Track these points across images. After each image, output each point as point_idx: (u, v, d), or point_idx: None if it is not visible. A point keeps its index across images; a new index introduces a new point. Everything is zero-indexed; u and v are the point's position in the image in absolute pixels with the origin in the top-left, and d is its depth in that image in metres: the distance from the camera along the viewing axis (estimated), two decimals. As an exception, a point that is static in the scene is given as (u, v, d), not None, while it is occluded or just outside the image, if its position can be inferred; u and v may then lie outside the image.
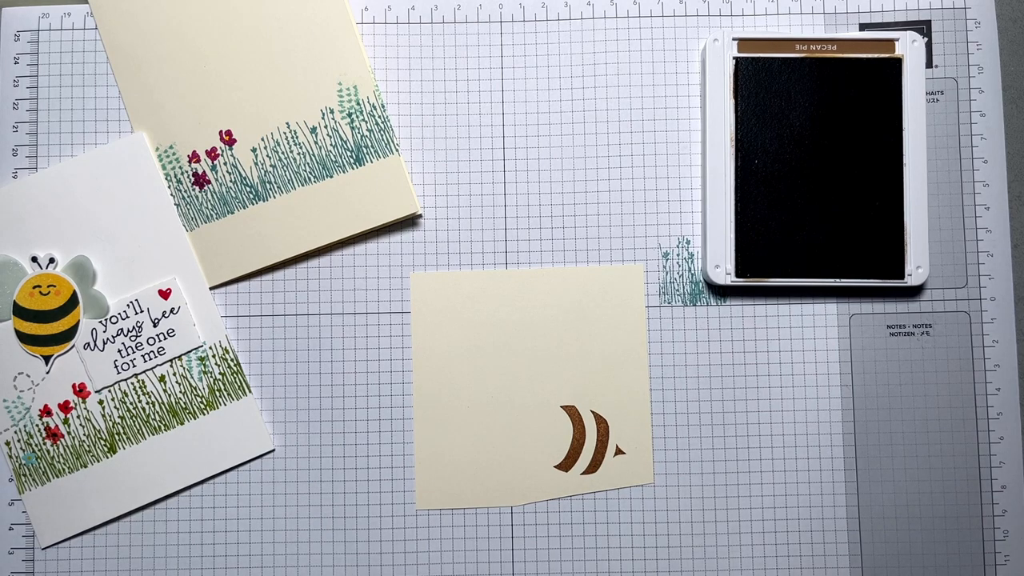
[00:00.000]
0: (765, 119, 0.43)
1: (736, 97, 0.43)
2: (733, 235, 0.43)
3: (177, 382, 0.45)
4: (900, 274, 0.43)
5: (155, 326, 0.45)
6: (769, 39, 0.43)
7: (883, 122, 0.43)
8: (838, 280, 0.43)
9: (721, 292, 0.45)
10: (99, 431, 0.45)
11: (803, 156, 0.43)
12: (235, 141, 0.45)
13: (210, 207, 0.45)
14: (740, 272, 0.43)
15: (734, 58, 0.43)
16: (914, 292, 0.45)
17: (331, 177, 0.45)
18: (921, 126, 0.43)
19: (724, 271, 0.44)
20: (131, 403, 0.45)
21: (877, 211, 0.43)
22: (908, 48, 0.43)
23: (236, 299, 0.46)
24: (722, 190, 0.43)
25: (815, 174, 0.43)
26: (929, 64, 0.46)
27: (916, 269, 0.43)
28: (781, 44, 0.43)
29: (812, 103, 0.43)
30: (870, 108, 0.43)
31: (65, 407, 0.45)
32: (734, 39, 0.43)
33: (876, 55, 0.43)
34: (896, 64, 0.42)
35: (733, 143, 0.42)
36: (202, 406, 0.45)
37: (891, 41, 0.43)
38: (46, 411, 0.44)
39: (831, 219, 0.43)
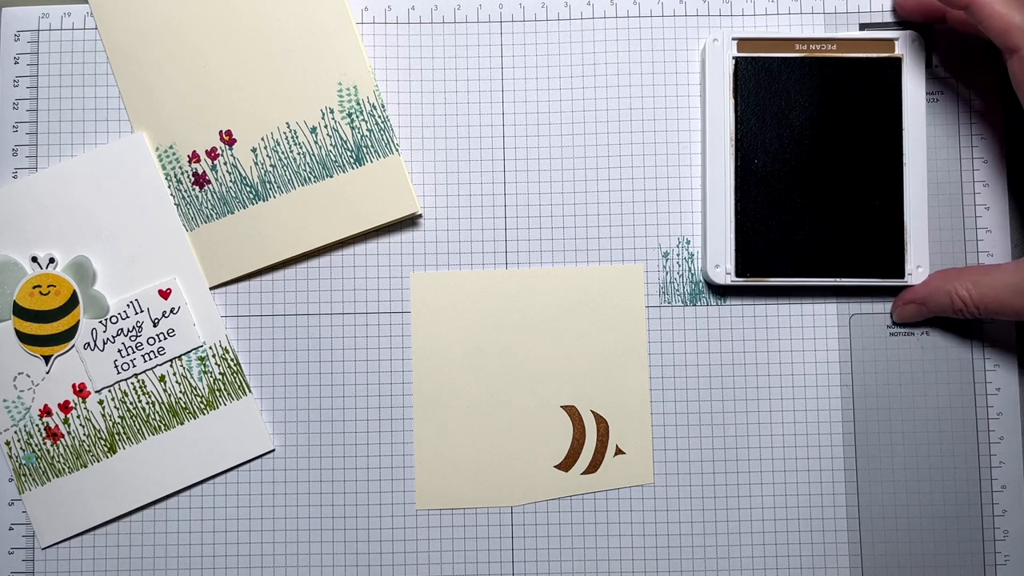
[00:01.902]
0: (765, 119, 0.43)
1: (736, 97, 0.42)
2: (733, 235, 0.43)
3: (177, 382, 0.45)
4: (900, 273, 0.43)
5: (155, 326, 0.45)
6: (769, 39, 0.43)
7: (883, 122, 0.43)
8: (838, 280, 0.43)
9: (721, 292, 0.45)
10: (99, 431, 0.45)
11: (803, 156, 0.43)
12: (235, 141, 0.45)
13: (210, 207, 0.45)
14: (740, 272, 0.43)
15: (734, 58, 0.43)
16: (914, 292, 0.45)
17: (331, 177, 0.45)
18: (921, 126, 0.43)
19: (724, 271, 0.43)
20: (131, 403, 0.45)
21: (877, 211, 0.43)
22: (908, 47, 0.43)
23: (236, 299, 0.46)
24: (722, 190, 0.43)
25: (815, 173, 0.43)
26: (929, 64, 0.46)
27: (916, 268, 0.43)
28: (781, 44, 0.43)
29: (812, 103, 0.43)
30: (870, 108, 0.43)
31: (65, 407, 0.45)
32: (733, 39, 0.43)
33: (876, 54, 0.42)
34: (896, 64, 0.42)
35: (733, 143, 0.42)
36: (202, 406, 0.45)
37: (891, 41, 0.43)
38: (46, 411, 0.44)
39: (831, 219, 0.43)
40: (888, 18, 0.46)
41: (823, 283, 0.44)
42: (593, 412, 0.45)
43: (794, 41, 0.43)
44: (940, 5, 0.42)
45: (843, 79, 0.43)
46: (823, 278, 0.43)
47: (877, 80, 0.43)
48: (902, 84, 0.43)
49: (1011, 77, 0.39)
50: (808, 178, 0.43)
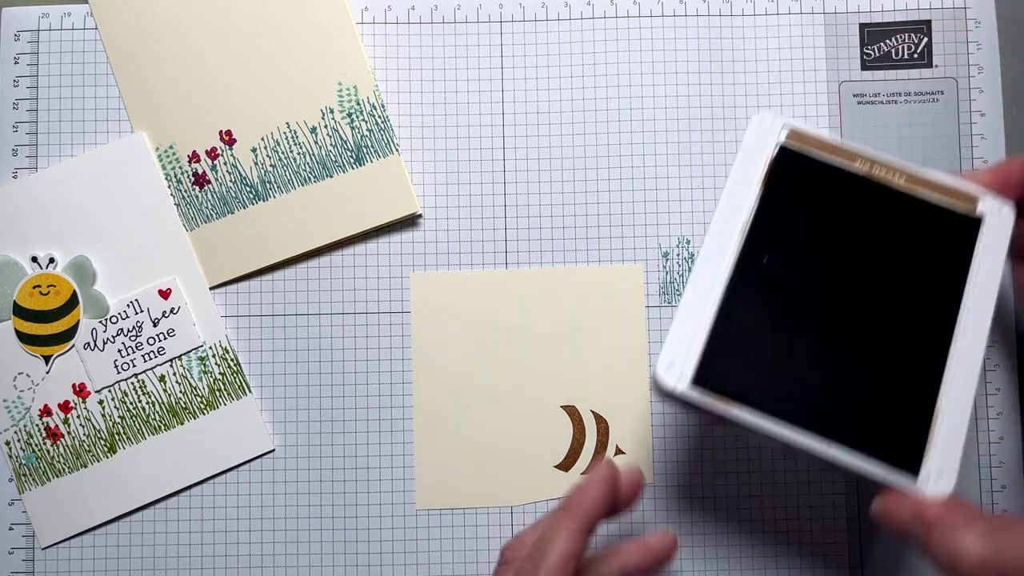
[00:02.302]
0: (793, 221, 0.34)
1: (767, 186, 0.34)
2: (707, 332, 0.32)
3: (177, 382, 0.45)
4: (914, 467, 0.31)
5: (155, 326, 0.45)
6: (828, 142, 0.34)
7: (940, 288, 0.33)
8: (824, 440, 0.31)
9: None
10: (99, 431, 0.45)
11: (827, 280, 0.33)
12: (235, 141, 0.45)
13: (210, 207, 0.45)
14: (698, 379, 0.31)
15: (779, 145, 0.35)
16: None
17: (331, 177, 0.45)
18: (987, 309, 0.33)
19: (678, 372, 0.31)
20: (131, 403, 0.45)
21: (903, 382, 0.32)
22: (992, 211, 0.33)
23: (236, 299, 0.46)
24: (711, 274, 0.33)
25: (837, 304, 0.33)
26: (929, 64, 0.46)
27: (938, 474, 0.31)
28: (841, 151, 0.34)
29: (857, 229, 0.34)
30: (927, 265, 0.33)
31: (65, 407, 0.45)
32: (785, 126, 0.35)
33: (950, 204, 0.33)
34: (973, 225, 0.33)
35: (745, 229, 0.33)
36: (202, 406, 0.45)
37: (973, 196, 0.33)
38: (46, 411, 0.45)
39: (841, 363, 0.32)
40: (888, 18, 0.46)
41: (802, 439, 0.31)
42: (593, 412, 0.45)
43: (857, 155, 0.34)
44: None
45: (903, 218, 0.34)
46: (805, 431, 0.31)
47: (944, 236, 0.33)
48: (974, 252, 0.33)
49: None
50: (826, 305, 0.33)
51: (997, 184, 0.34)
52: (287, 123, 0.45)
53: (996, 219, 0.33)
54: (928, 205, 0.33)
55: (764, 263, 0.32)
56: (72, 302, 0.44)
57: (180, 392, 0.45)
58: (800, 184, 0.34)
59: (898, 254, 0.33)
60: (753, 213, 0.33)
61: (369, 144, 0.45)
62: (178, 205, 0.45)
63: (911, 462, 0.31)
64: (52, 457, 0.44)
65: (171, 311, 0.45)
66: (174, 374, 0.45)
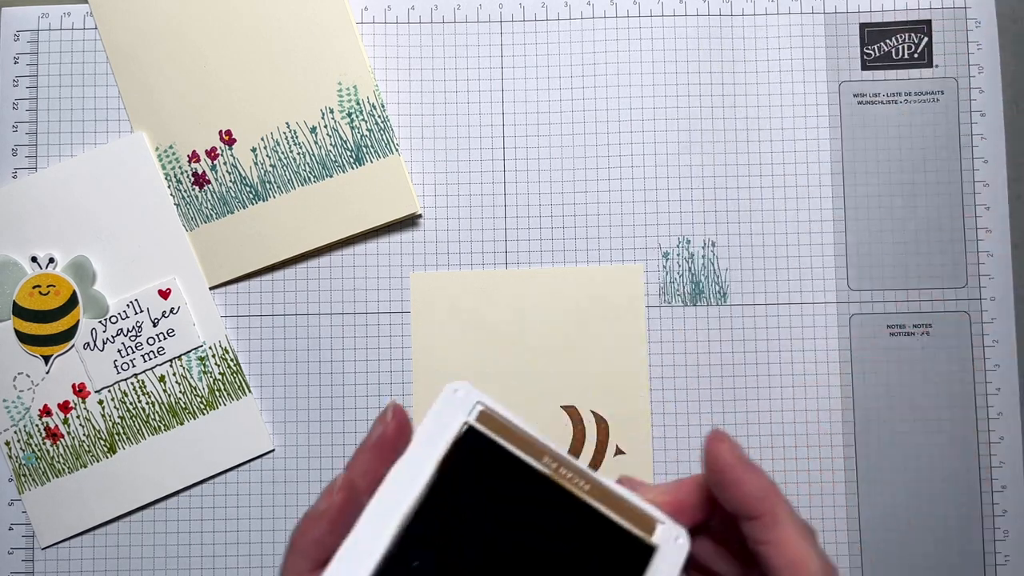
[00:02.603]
0: (464, 516, 0.28)
1: (443, 470, 0.28)
2: None
3: (177, 382, 0.45)
4: None
5: (155, 326, 0.45)
6: (517, 432, 0.29)
7: None
8: None
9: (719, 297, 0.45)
10: (99, 431, 0.45)
11: None
12: (235, 141, 0.45)
13: (210, 207, 0.45)
14: None
15: (467, 424, 0.30)
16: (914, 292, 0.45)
17: (331, 177, 0.45)
18: None
19: None
20: (131, 403, 0.45)
21: None
22: (668, 540, 0.29)
23: (236, 299, 0.46)
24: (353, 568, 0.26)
25: None
26: (929, 64, 0.46)
27: None
28: (530, 444, 0.29)
29: (532, 535, 0.28)
30: None
31: (65, 407, 0.45)
32: (478, 403, 0.30)
33: (628, 525, 0.29)
34: (646, 552, 0.29)
35: (402, 522, 0.27)
36: (202, 406, 0.45)
37: (652, 520, 0.29)
38: (46, 411, 0.44)
39: None
40: (888, 18, 0.46)
41: None
42: (593, 412, 0.45)
43: (545, 452, 0.29)
44: (709, 504, 0.31)
45: (581, 531, 0.29)
46: None
47: (618, 558, 0.29)
48: None
49: None
50: None
51: (672, 508, 0.30)
52: (287, 123, 0.45)
53: (670, 549, 0.29)
54: (607, 521, 0.29)
55: (413, 567, 0.27)
56: (72, 302, 0.44)
57: (180, 392, 0.45)
58: (480, 473, 0.29)
59: (570, 571, 0.28)
60: (420, 500, 0.27)
61: (369, 144, 0.45)
62: (178, 205, 0.45)
63: None
64: (52, 457, 0.44)
65: (171, 311, 0.45)
66: (174, 374, 0.45)
